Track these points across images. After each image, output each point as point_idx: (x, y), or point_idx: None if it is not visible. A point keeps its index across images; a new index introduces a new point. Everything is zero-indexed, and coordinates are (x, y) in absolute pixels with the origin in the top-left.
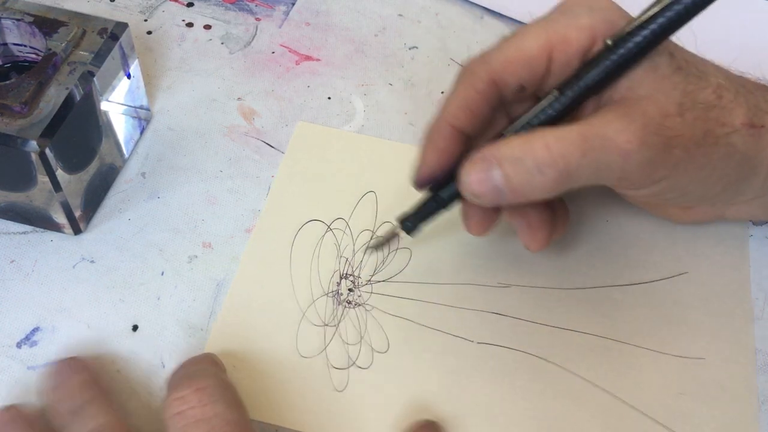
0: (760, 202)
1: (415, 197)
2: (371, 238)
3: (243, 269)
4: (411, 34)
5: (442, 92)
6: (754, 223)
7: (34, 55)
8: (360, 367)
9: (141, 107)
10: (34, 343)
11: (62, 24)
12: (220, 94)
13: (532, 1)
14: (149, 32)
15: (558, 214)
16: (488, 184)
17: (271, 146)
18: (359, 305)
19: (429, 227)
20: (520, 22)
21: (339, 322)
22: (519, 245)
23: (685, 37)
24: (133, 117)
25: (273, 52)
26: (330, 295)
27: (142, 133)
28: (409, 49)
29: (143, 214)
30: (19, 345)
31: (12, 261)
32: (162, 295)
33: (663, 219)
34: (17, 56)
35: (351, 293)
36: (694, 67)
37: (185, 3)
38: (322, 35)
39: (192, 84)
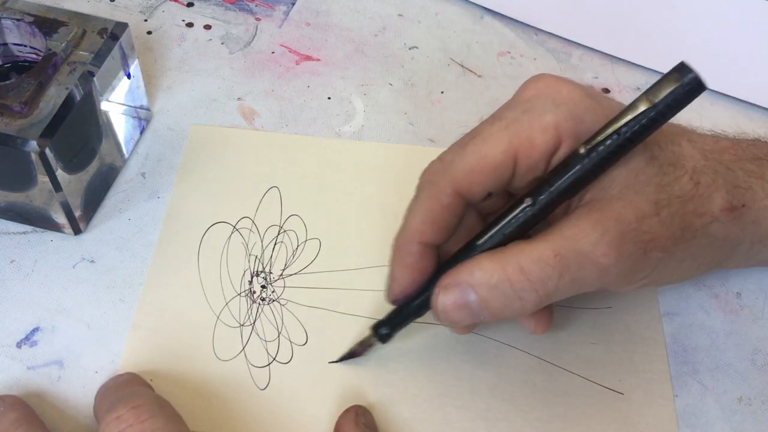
0: (744, 264)
1: (322, 191)
2: (346, 353)
3: (150, 281)
4: (411, 34)
5: (442, 92)
6: None
7: (34, 55)
8: (281, 363)
9: (141, 107)
10: (34, 343)
11: (62, 24)
12: (220, 94)
13: (532, 1)
14: (149, 32)
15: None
16: (465, 310)
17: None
18: (274, 301)
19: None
20: (520, 22)
21: (255, 320)
22: None
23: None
24: (133, 117)
25: (273, 52)
26: (243, 294)
27: (142, 133)
28: (409, 49)
29: (143, 214)
30: (19, 345)
31: (12, 261)
32: None
33: None
34: (17, 56)
35: (264, 290)
36: (668, 151)
37: (185, 3)
38: (322, 35)
39: (192, 84)
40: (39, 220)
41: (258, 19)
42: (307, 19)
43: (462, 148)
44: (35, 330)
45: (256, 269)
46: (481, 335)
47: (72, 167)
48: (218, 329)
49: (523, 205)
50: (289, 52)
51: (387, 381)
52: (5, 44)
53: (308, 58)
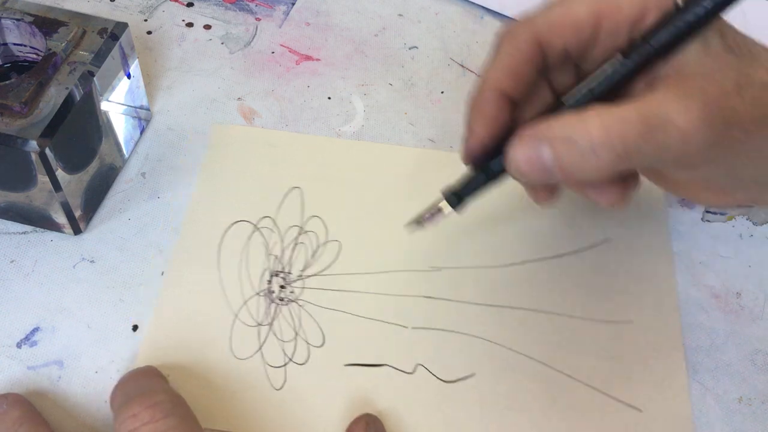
0: None
1: (344, 192)
2: (413, 220)
3: (170, 277)
4: (411, 34)
5: (442, 92)
6: (754, 223)
7: (34, 55)
8: (297, 363)
9: (141, 107)
10: (34, 343)
11: (62, 24)
12: (220, 94)
13: (531, 1)
14: (149, 32)
15: (628, 175)
16: (537, 164)
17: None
18: (292, 301)
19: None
20: None
21: (273, 320)
22: (448, 228)
23: None
24: (133, 117)
25: (273, 52)
26: (262, 294)
27: (142, 133)
28: (409, 49)
29: (143, 214)
30: (19, 345)
31: (12, 261)
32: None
33: None
34: (17, 56)
35: (283, 290)
36: (746, 47)
37: (185, 3)
38: (322, 35)
39: (192, 84)
40: (39, 220)
41: (258, 19)
42: (307, 19)
43: (547, 6)
44: (35, 330)
45: (275, 269)
46: (499, 345)
47: (72, 167)
48: (236, 327)
49: (614, 60)
50: (289, 52)
51: (401, 388)
52: (5, 44)
53: (308, 58)
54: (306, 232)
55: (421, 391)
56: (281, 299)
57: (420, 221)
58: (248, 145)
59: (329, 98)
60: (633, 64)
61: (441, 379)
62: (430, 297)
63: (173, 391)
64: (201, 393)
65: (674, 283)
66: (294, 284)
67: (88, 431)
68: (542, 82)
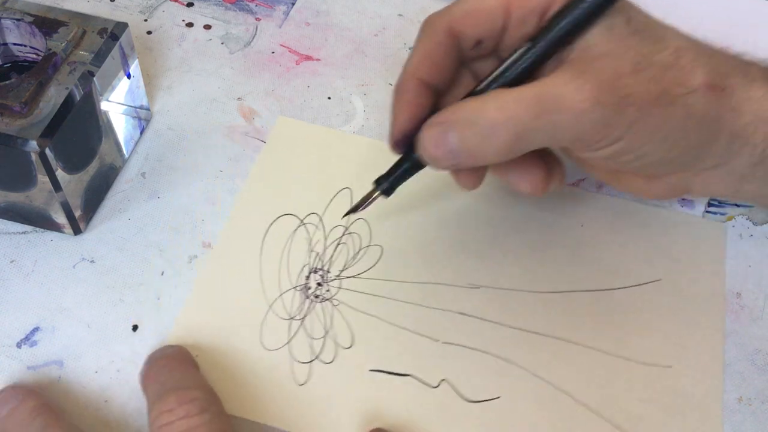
0: (724, 173)
1: (392, 199)
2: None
3: (214, 259)
4: (411, 34)
5: None
6: (754, 223)
7: (34, 55)
8: (323, 362)
9: (141, 107)
10: (34, 343)
11: (62, 24)
12: (220, 94)
13: None
14: (149, 32)
15: (552, 164)
16: (444, 148)
17: None
18: (326, 300)
19: (405, 224)
20: None
21: (305, 315)
22: (491, 247)
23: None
24: (133, 117)
25: (273, 52)
26: (298, 288)
27: (142, 133)
28: (409, 49)
29: (143, 214)
30: (19, 345)
31: (12, 261)
32: (162, 295)
33: (638, 225)
34: (17, 56)
35: (319, 288)
36: (652, 30)
37: (185, 3)
38: (322, 35)
39: (192, 84)
40: (39, 220)
41: (258, 19)
42: (307, 19)
43: None
44: (35, 330)
45: (315, 266)
46: (528, 371)
47: (72, 167)
48: (268, 318)
49: (522, 49)
50: (289, 52)
51: (423, 401)
52: (5, 44)
53: (308, 58)
54: (350, 233)
55: (443, 407)
56: (316, 296)
57: (355, 210)
58: (307, 141)
59: (329, 98)
60: (539, 51)
61: (464, 398)
62: (464, 314)
63: (208, 387)
64: (225, 377)
65: (722, 332)
66: (331, 283)
67: (89, 431)
68: (465, 71)
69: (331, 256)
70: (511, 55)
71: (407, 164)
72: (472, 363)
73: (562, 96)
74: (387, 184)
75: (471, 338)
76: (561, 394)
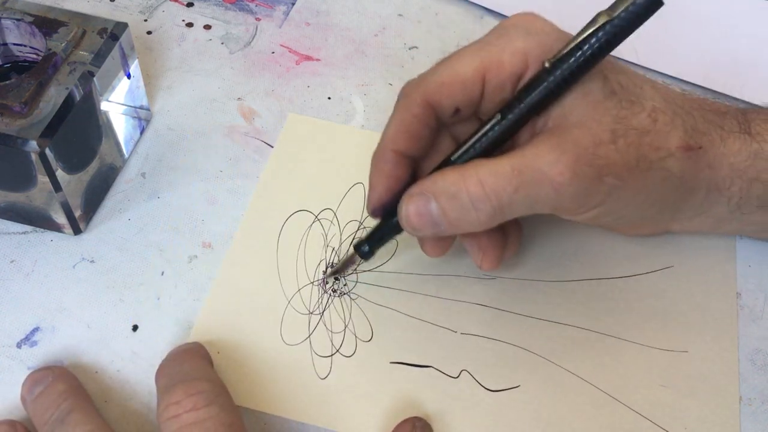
0: (702, 219)
1: None
2: (328, 268)
3: (231, 256)
4: (411, 34)
5: None
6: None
7: (34, 55)
8: (343, 355)
9: (141, 107)
10: (34, 343)
11: (62, 24)
12: (220, 94)
13: (531, 0)
14: (149, 32)
15: (510, 233)
16: (426, 218)
17: (271, 146)
18: (344, 294)
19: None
20: None
21: (324, 310)
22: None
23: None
24: (133, 117)
25: (273, 52)
26: (316, 284)
27: (142, 133)
28: (409, 49)
29: (143, 214)
30: (19, 345)
31: (12, 261)
32: (162, 295)
33: None
34: (17, 56)
35: (337, 282)
36: (628, 90)
37: (185, 3)
38: (322, 35)
39: (192, 84)
40: (39, 220)
41: (258, 19)
42: (307, 19)
43: (437, 66)
44: (35, 330)
45: (331, 261)
46: (547, 359)
47: (72, 167)
48: (288, 314)
49: (493, 121)
50: (289, 52)
51: (444, 392)
52: (5, 44)
53: (308, 58)
54: (365, 227)
55: (464, 397)
56: (334, 290)
57: (335, 272)
58: (319, 137)
59: (329, 98)
60: (508, 123)
61: (485, 387)
62: (482, 305)
63: (217, 379)
64: (248, 373)
65: (735, 316)
66: (348, 277)
67: None
68: (444, 135)
69: (347, 251)
70: (484, 124)
71: (387, 229)
72: (492, 353)
73: (540, 170)
74: (366, 248)
75: (489, 328)
76: (580, 381)
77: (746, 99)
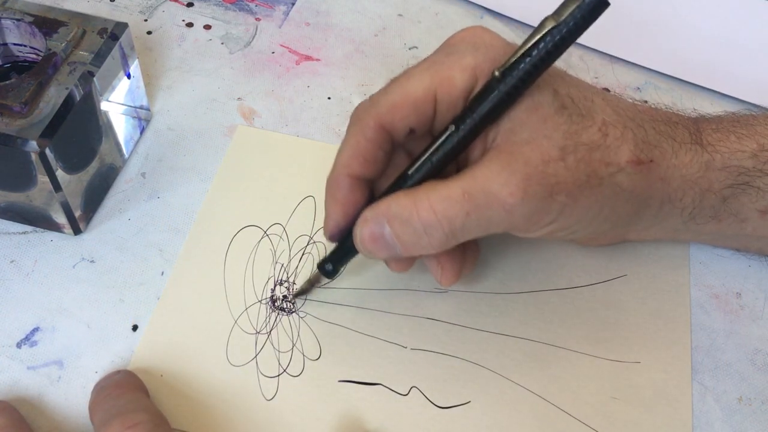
0: (657, 229)
1: None
2: (277, 286)
3: (176, 275)
4: (411, 34)
5: None
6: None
7: (34, 55)
8: (291, 375)
9: (141, 107)
10: (34, 343)
11: (62, 24)
12: (220, 94)
13: (531, 1)
14: (149, 32)
15: (468, 247)
16: (380, 243)
17: None
18: (293, 312)
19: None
20: (520, 22)
21: (271, 329)
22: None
23: (685, 35)
24: (133, 117)
25: (273, 52)
26: (264, 302)
27: (142, 133)
28: (409, 49)
29: (143, 214)
30: (19, 345)
31: (12, 261)
32: (162, 295)
33: None
34: (17, 56)
35: (285, 300)
36: (579, 104)
37: (185, 3)
38: (322, 35)
39: (192, 84)
40: (39, 220)
41: (258, 19)
42: (307, 19)
43: (387, 87)
44: (35, 330)
45: (280, 278)
46: (498, 374)
47: (72, 167)
48: (234, 334)
49: (448, 132)
50: (289, 52)
51: (393, 410)
52: (5, 44)
53: (308, 58)
54: (315, 242)
55: (413, 415)
56: (282, 309)
57: (302, 292)
58: (269, 150)
59: (329, 98)
60: (463, 134)
61: (435, 404)
62: (432, 319)
63: (154, 409)
64: (192, 396)
65: (688, 326)
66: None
67: (88, 431)
68: (400, 153)
69: (297, 267)
70: (439, 136)
71: (347, 248)
72: (442, 368)
73: (490, 192)
74: (330, 266)
75: (439, 343)
76: (532, 395)
77: (746, 99)
